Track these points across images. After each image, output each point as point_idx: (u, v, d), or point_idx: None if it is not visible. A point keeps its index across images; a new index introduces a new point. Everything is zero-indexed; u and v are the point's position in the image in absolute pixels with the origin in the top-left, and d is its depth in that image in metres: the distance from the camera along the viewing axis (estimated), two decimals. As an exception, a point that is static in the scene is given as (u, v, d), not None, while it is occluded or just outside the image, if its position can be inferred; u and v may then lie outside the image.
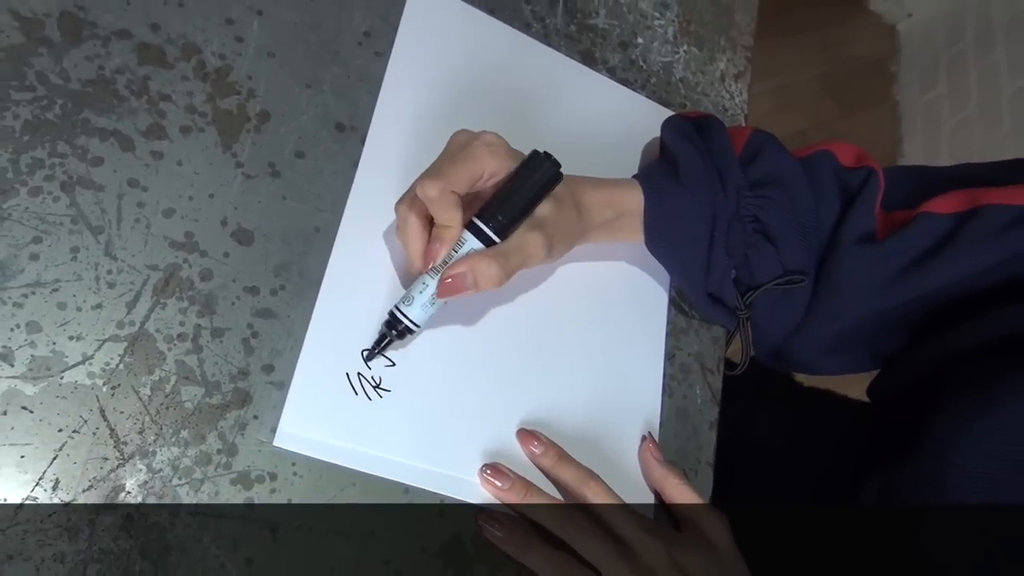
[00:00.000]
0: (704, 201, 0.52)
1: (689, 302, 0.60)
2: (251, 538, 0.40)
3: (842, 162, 0.56)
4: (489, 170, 0.44)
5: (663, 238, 0.53)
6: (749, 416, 0.76)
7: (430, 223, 0.46)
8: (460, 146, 0.45)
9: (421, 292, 0.45)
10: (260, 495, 0.41)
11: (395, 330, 0.45)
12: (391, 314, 0.46)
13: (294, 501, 0.42)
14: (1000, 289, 0.50)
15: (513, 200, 0.45)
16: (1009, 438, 0.46)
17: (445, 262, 0.44)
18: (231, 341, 0.43)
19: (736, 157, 0.54)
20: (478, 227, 0.44)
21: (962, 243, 0.49)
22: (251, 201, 0.46)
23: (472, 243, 0.44)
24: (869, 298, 0.53)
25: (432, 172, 0.44)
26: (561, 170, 0.45)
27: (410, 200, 0.46)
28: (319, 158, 0.49)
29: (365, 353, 0.46)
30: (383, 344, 0.46)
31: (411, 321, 0.45)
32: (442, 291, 0.44)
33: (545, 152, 0.45)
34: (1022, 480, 0.45)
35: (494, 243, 0.44)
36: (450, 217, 0.44)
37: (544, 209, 0.46)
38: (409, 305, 0.45)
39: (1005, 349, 0.49)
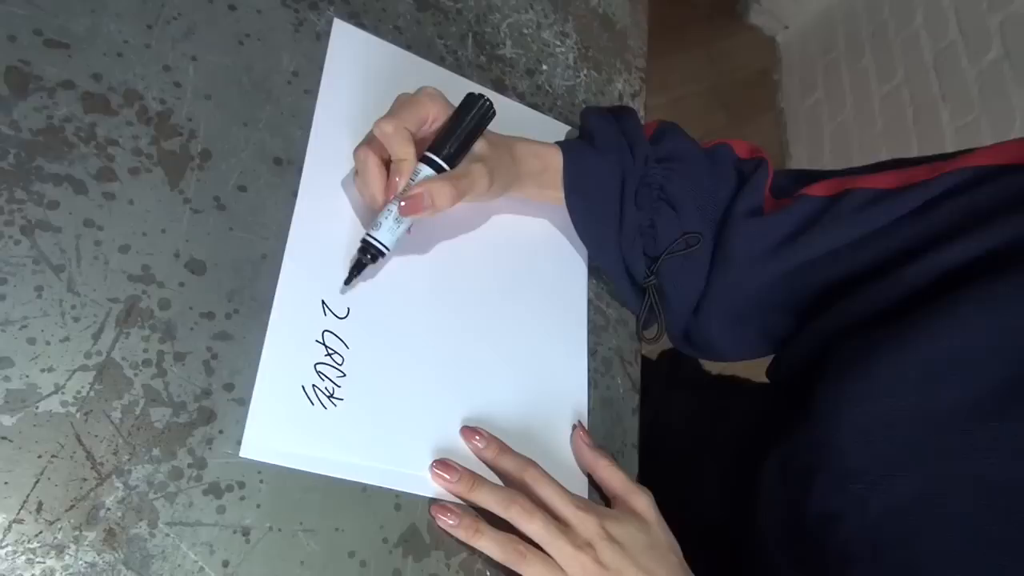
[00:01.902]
0: (614, 161, 0.60)
1: (606, 295, 0.66)
2: (226, 542, 0.44)
3: (738, 154, 0.64)
4: (432, 114, 0.53)
5: (579, 193, 0.61)
6: (663, 404, 0.83)
7: (386, 165, 0.53)
8: (406, 97, 0.53)
9: (386, 217, 0.52)
10: (231, 502, 0.45)
11: (368, 254, 0.52)
12: (363, 241, 0.52)
13: (262, 506, 0.45)
14: (866, 271, 0.58)
15: (457, 133, 0.53)
16: (883, 398, 0.52)
17: (405, 192, 0.51)
18: (193, 364, 0.46)
19: (644, 135, 0.63)
20: (430, 158, 0.52)
21: (829, 220, 0.58)
22: (200, 233, 0.49)
23: (426, 172, 0.52)
24: (756, 268, 0.61)
25: (386, 115, 0.52)
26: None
27: (368, 143, 0.53)
28: (260, 190, 0.52)
29: (343, 281, 0.53)
30: (359, 268, 0.52)
31: (381, 244, 0.52)
32: (404, 210, 0.51)
33: (479, 93, 0.53)
34: (895, 433, 0.52)
35: (445, 171, 0.52)
36: (405, 151, 0.51)
37: (483, 148, 0.55)
38: (377, 230, 0.52)
39: (874, 322, 0.56)
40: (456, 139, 0.53)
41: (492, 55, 0.70)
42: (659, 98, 1.85)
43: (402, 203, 0.51)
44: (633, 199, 0.61)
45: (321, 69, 0.59)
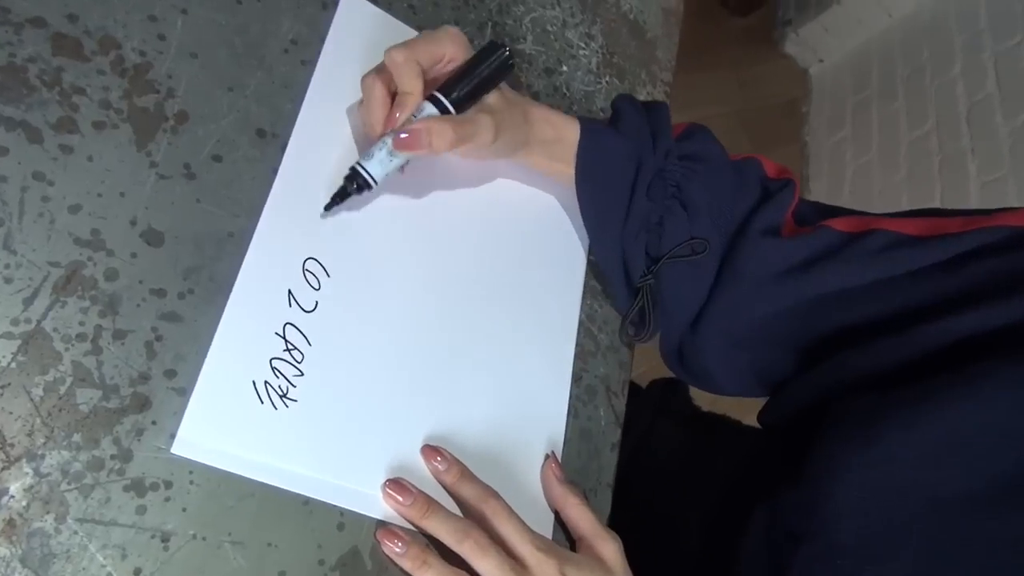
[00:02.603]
0: (632, 147, 0.57)
1: (600, 318, 0.61)
2: (141, 547, 0.39)
3: (766, 171, 0.61)
4: (449, 54, 0.50)
5: (591, 171, 0.57)
6: (650, 435, 0.79)
7: (392, 97, 0.51)
8: (427, 32, 0.50)
9: (380, 149, 0.49)
10: (153, 503, 0.40)
11: (355, 183, 0.49)
12: (352, 169, 0.49)
13: (189, 510, 0.41)
14: (878, 322, 0.53)
15: (470, 78, 0.50)
16: (884, 470, 0.48)
17: (404, 126, 0.49)
18: (133, 344, 0.42)
19: (671, 130, 0.59)
20: (437, 99, 0.49)
21: (847, 256, 0.54)
22: (164, 202, 0.45)
23: (431, 111, 0.49)
24: (764, 290, 0.57)
25: (400, 44, 0.49)
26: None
27: (377, 71, 0.51)
28: (237, 163, 0.48)
29: (324, 206, 0.50)
30: (343, 196, 0.49)
31: (369, 175, 0.49)
32: (398, 144, 0.48)
33: (501, 41, 0.51)
34: (891, 511, 0.48)
35: (450, 115, 0.49)
36: (413, 84, 0.49)
37: (495, 100, 0.52)
38: (368, 160, 0.49)
39: (881, 383, 0.52)
40: (468, 83, 0.50)
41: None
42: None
43: (405, 134, 0.48)
44: (645, 189, 0.58)
45: (323, 40, 0.54)
